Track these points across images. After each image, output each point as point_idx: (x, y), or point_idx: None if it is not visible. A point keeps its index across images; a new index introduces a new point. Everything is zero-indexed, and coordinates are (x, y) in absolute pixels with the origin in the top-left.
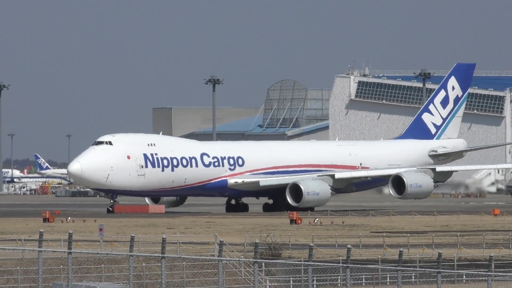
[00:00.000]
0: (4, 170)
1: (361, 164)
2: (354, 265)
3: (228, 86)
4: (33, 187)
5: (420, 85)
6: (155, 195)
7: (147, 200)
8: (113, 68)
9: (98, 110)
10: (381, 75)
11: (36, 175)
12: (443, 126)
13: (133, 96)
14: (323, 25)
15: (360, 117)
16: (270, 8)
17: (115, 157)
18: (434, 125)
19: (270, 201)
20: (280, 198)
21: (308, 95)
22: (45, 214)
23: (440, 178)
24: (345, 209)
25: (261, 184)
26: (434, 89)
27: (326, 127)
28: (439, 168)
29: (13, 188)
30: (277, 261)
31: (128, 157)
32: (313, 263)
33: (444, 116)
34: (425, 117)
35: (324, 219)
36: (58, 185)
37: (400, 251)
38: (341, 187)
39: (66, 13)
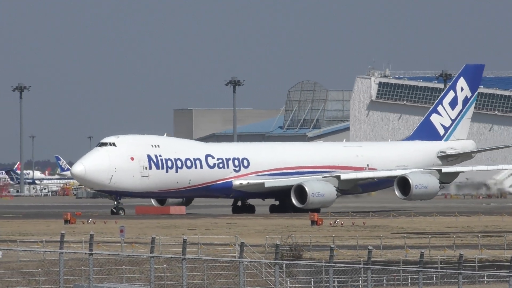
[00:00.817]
0: (25, 171)
1: (368, 165)
2: (375, 266)
3: (249, 87)
4: (54, 188)
5: (441, 86)
6: (159, 196)
7: (153, 201)
8: (134, 70)
9: (119, 111)
10: (401, 76)
11: (57, 176)
12: (452, 127)
13: (154, 97)
14: (343, 26)
15: (381, 118)
16: (290, 9)
17: (119, 159)
18: (443, 126)
19: (277, 203)
20: (286, 200)
21: (329, 96)
22: (66, 216)
23: (446, 179)
24: (366, 210)
25: (266, 185)
26: None
27: (347, 128)
28: (445, 169)
29: (34, 190)
30: (298, 262)
31: (132, 159)
32: (334, 264)
33: (453, 117)
34: (434, 118)
35: (345, 220)
36: (79, 187)
37: (421, 252)
38: (347, 188)
39: (88, 15)
